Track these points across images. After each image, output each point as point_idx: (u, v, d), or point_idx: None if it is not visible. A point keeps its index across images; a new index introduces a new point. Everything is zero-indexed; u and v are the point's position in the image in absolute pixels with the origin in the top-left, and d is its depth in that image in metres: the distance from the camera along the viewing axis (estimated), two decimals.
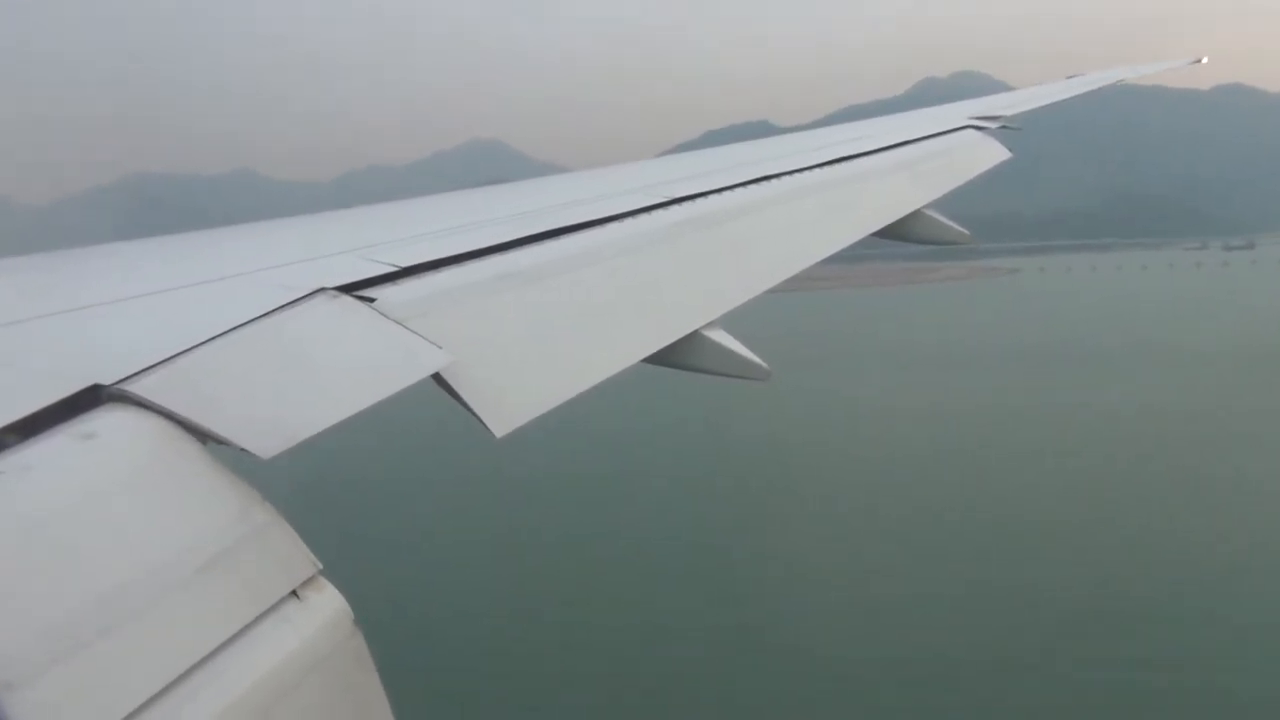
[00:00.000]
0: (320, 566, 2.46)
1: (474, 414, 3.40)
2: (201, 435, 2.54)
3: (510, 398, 3.60)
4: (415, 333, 3.52)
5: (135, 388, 2.60)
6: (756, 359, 5.09)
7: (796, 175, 7.18)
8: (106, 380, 2.59)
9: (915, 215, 7.68)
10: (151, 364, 2.74)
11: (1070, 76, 14.26)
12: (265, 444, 2.59)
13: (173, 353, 2.84)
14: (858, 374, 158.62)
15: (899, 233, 7.58)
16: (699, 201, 6.04)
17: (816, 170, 7.44)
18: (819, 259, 6.25)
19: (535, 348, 4.07)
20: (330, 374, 3.23)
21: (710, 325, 4.93)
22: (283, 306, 3.37)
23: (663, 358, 4.66)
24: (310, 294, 3.51)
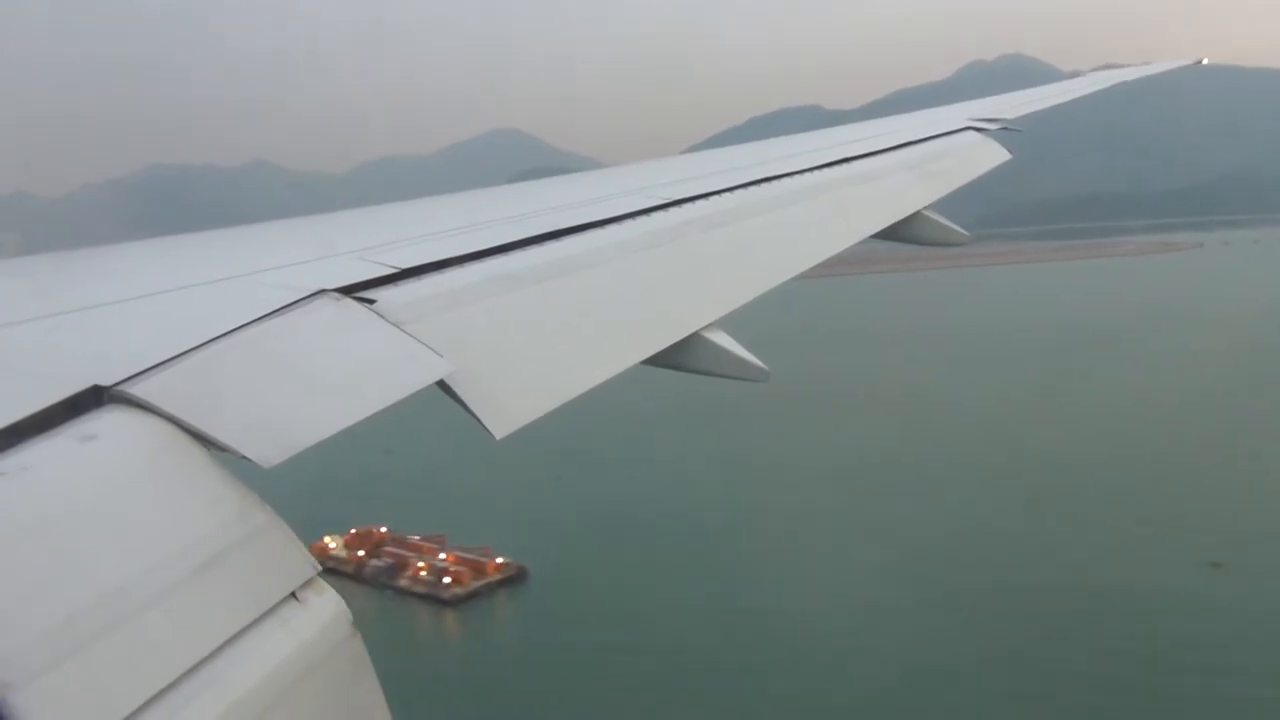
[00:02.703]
0: (319, 568, 2.46)
1: (474, 415, 3.39)
2: (203, 441, 2.55)
3: (510, 399, 3.60)
4: (417, 339, 3.52)
5: (136, 389, 2.62)
6: (756, 360, 5.05)
7: (797, 177, 7.18)
8: (107, 381, 2.61)
9: (915, 217, 7.68)
10: (153, 365, 2.76)
11: (1073, 75, 14.19)
12: (267, 452, 2.59)
13: (174, 354, 2.86)
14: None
15: (899, 234, 7.58)
16: (699, 203, 6.04)
17: (817, 172, 7.44)
18: (819, 260, 6.25)
19: (535, 349, 4.07)
20: (331, 380, 3.23)
21: (710, 327, 4.91)
22: (284, 308, 3.38)
23: (663, 359, 4.64)
24: (311, 295, 3.52)
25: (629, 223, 5.43)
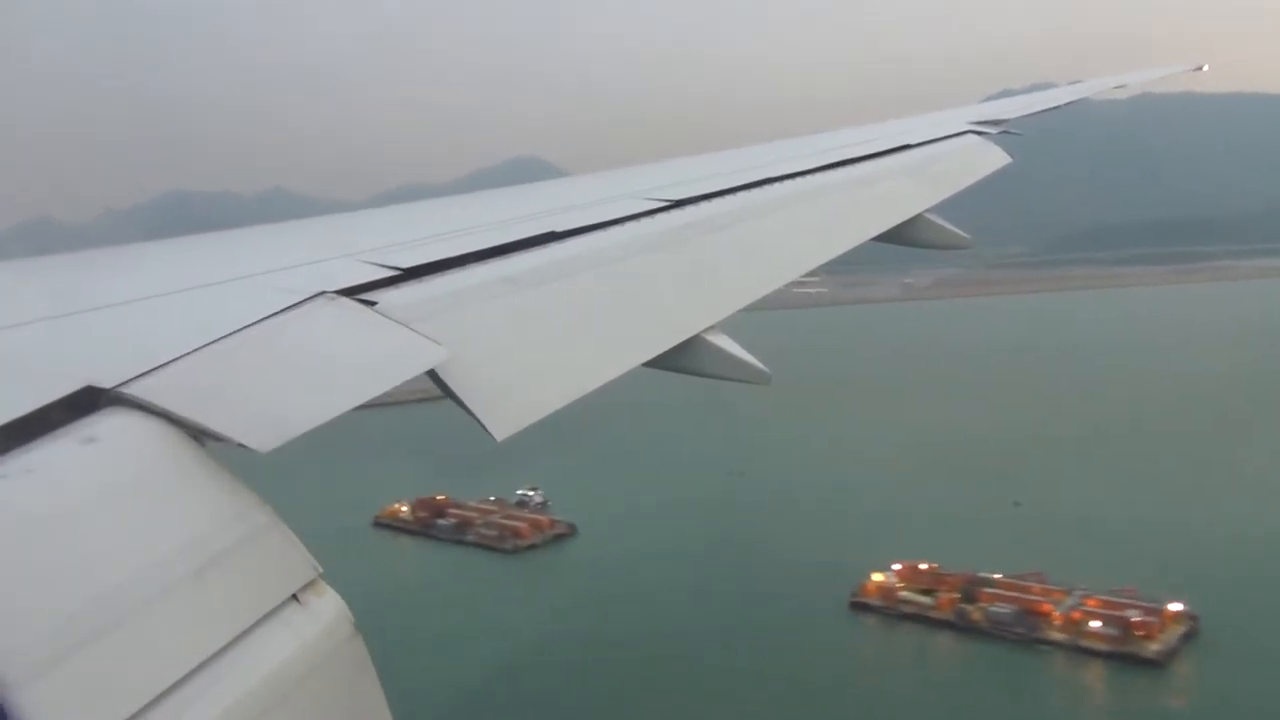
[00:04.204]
0: (320, 570, 2.46)
1: (475, 417, 3.39)
2: (199, 432, 2.55)
3: (511, 401, 3.60)
4: (413, 329, 3.52)
5: (137, 391, 2.62)
6: (756, 363, 5.04)
7: (798, 179, 7.17)
8: (108, 383, 2.61)
9: (916, 219, 7.64)
10: (153, 367, 2.76)
11: (1073, 82, 14.22)
12: (262, 439, 2.59)
13: (175, 356, 2.86)
14: None
15: (901, 237, 7.55)
16: (700, 205, 6.04)
17: (818, 174, 7.43)
18: (820, 263, 6.22)
19: (536, 351, 4.07)
20: (328, 371, 3.24)
21: (711, 329, 4.90)
22: (284, 310, 3.39)
23: (664, 361, 4.63)
24: (311, 297, 3.53)
25: (630, 225, 5.43)
